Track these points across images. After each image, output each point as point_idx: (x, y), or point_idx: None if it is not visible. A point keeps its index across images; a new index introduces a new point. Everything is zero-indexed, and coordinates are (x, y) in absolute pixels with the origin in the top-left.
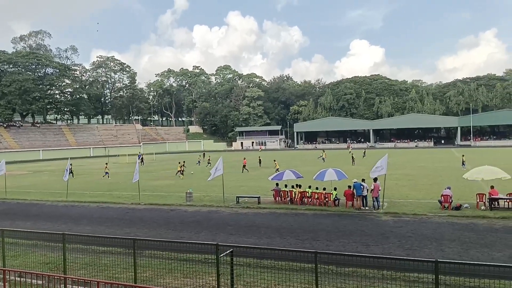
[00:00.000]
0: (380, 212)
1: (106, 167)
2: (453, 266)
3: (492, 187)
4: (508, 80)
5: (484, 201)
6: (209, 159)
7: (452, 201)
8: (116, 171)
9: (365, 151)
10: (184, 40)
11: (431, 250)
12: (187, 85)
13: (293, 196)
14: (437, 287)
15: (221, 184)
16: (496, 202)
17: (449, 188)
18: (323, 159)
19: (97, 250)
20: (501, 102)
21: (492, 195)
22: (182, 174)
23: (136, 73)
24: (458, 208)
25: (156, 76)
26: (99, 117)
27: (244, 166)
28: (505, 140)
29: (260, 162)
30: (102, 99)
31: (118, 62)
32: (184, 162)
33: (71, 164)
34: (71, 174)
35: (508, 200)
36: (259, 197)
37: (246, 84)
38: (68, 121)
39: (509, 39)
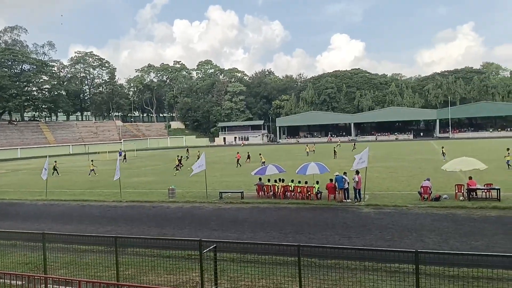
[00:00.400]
0: (361, 204)
1: (92, 164)
2: (433, 256)
3: (470, 178)
4: (485, 73)
5: (462, 191)
6: (183, 158)
7: (431, 192)
8: (97, 169)
9: (354, 144)
10: (164, 35)
11: (411, 241)
12: (168, 81)
13: (276, 190)
14: (417, 277)
15: (204, 180)
16: (474, 193)
17: (428, 179)
18: (313, 151)
19: (78, 249)
20: (478, 94)
21: (470, 185)
22: (178, 169)
23: (115, 68)
24: (437, 199)
25: (136, 72)
26: (78, 114)
27: (238, 160)
28: (482, 131)
29: (248, 157)
30: (81, 96)
31: (96, 57)
32: (181, 157)
33: (55, 161)
34: (55, 171)
35: (485, 190)
36: (242, 192)
37: (228, 79)
38: (46, 118)
39: (486, 33)
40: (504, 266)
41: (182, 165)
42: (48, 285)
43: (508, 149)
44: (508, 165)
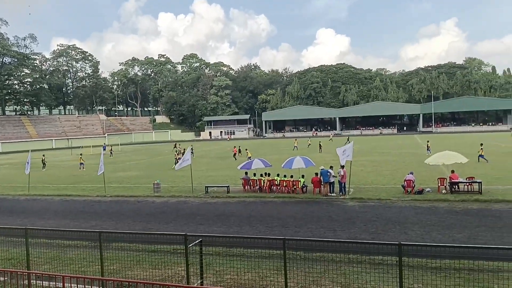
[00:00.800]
0: (346, 198)
1: (81, 158)
2: (416, 248)
3: (452, 171)
4: (467, 68)
5: (445, 185)
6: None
7: (414, 185)
8: (85, 163)
9: (348, 138)
10: (148, 28)
11: (395, 233)
12: (152, 74)
13: (262, 184)
14: (400, 268)
15: (190, 175)
16: (456, 186)
17: (411, 173)
18: (296, 147)
19: (61, 244)
20: (461, 89)
21: (453, 179)
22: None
23: (99, 62)
24: (420, 192)
25: (120, 65)
26: (61, 107)
27: (234, 154)
28: (465, 126)
29: (239, 152)
30: (63, 89)
31: (79, 50)
32: (184, 150)
33: (43, 155)
34: (44, 165)
35: (467, 184)
36: (228, 186)
37: (213, 73)
38: (28, 112)
39: (469, 28)
40: (485, 258)
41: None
42: (31, 281)
43: (481, 144)
44: (484, 159)
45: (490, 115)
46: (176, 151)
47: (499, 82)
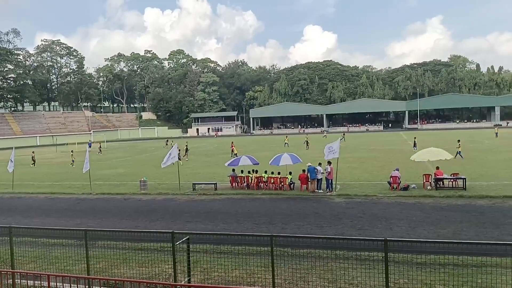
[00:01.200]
0: (333, 194)
1: (72, 155)
2: (402, 243)
3: (437, 167)
4: (452, 65)
5: (430, 181)
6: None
7: (400, 182)
8: (65, 161)
9: (344, 134)
10: (135, 24)
11: (381, 229)
12: (138, 70)
13: (250, 181)
14: (386, 264)
15: (177, 171)
16: (441, 182)
17: (397, 169)
18: (286, 143)
19: (47, 243)
20: (446, 86)
21: (438, 175)
22: (187, 158)
23: (84, 57)
24: (406, 188)
25: (105, 61)
26: (46, 104)
27: (232, 150)
28: (450, 122)
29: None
30: (48, 85)
31: (64, 46)
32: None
33: (33, 152)
34: (33, 162)
35: (452, 180)
36: (216, 183)
37: (200, 69)
38: (12, 108)
39: (454, 26)
40: (470, 253)
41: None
42: (16, 280)
43: (459, 141)
44: (460, 155)
45: (475, 112)
46: (170, 145)
47: (483, 80)
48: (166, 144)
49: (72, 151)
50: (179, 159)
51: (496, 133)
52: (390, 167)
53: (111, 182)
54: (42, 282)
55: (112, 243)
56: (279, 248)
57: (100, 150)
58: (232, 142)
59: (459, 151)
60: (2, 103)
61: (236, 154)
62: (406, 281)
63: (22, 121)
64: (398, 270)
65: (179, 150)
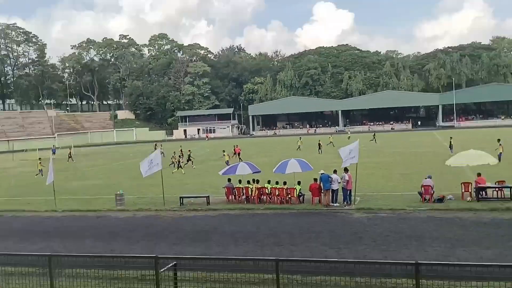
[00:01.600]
0: (352, 208)
1: (40, 163)
2: (437, 268)
3: (479, 174)
4: (495, 49)
5: (470, 191)
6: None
7: (433, 192)
8: (23, 170)
9: (374, 134)
10: (107, 3)
11: (411, 251)
12: (112, 60)
13: (250, 193)
14: None
15: (160, 183)
16: (483, 192)
17: (430, 177)
18: (299, 146)
19: (2, 272)
20: (488, 75)
21: (479, 183)
22: (180, 167)
23: (45, 44)
24: (441, 200)
25: (72, 49)
26: None
27: (238, 154)
28: (493, 119)
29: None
30: (2, 79)
31: (21, 30)
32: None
33: None
34: None
35: (497, 189)
36: (208, 196)
37: (188, 57)
38: None
39: (497, 1)
40: None
41: (192, 161)
42: None
43: (499, 140)
44: (499, 158)
45: None
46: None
47: None
48: (155, 149)
49: (40, 158)
50: (180, 166)
51: None
52: (421, 175)
53: (81, 196)
54: None
55: (82, 271)
56: (286, 275)
57: (70, 157)
58: (237, 145)
59: (500, 153)
60: None
61: (227, 161)
62: None
63: None
64: None
65: (180, 156)
